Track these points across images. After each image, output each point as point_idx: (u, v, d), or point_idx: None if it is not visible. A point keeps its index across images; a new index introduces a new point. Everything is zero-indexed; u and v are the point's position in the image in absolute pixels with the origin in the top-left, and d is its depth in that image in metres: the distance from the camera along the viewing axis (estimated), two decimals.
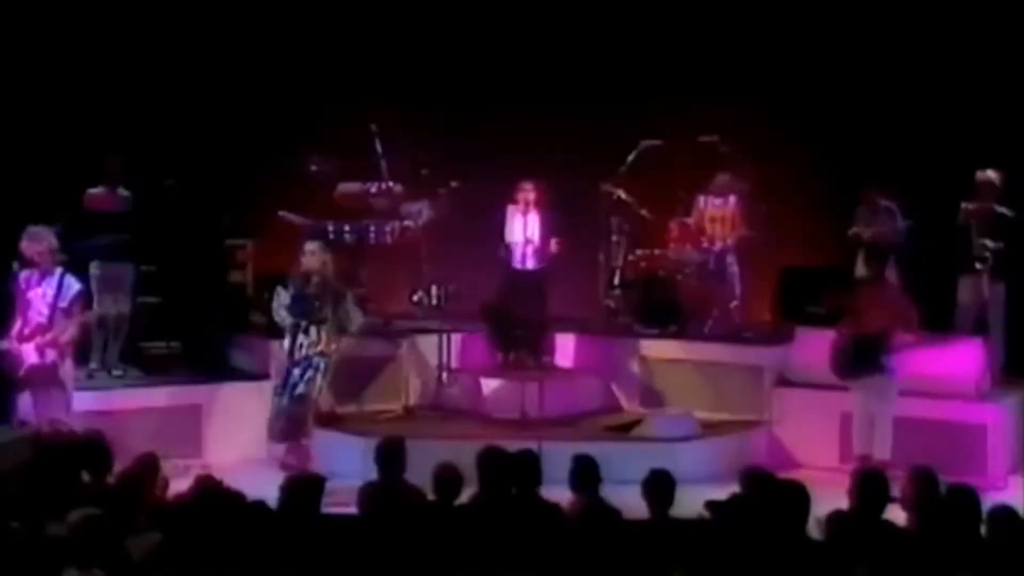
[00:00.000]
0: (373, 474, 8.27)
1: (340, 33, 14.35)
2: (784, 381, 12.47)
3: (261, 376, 12.25)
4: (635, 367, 13.10)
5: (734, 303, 13.15)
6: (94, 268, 11.99)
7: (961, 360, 11.75)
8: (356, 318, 11.44)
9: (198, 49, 13.91)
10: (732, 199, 13.17)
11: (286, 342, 11.27)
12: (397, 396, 12.68)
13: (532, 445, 8.95)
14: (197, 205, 12.96)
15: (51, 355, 10.39)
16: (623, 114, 13.97)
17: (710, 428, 12.22)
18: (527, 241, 12.92)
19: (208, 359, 12.65)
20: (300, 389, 11.25)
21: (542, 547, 7.07)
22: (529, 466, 8.03)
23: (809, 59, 13.77)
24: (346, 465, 10.74)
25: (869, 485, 7.47)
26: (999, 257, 12.22)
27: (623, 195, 13.39)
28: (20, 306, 10.49)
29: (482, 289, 13.10)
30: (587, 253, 13.51)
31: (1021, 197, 12.20)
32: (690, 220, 13.26)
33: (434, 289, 12.81)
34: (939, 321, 11.92)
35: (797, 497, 7.18)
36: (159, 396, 12.10)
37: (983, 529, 7.06)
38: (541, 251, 12.92)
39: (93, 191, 12.43)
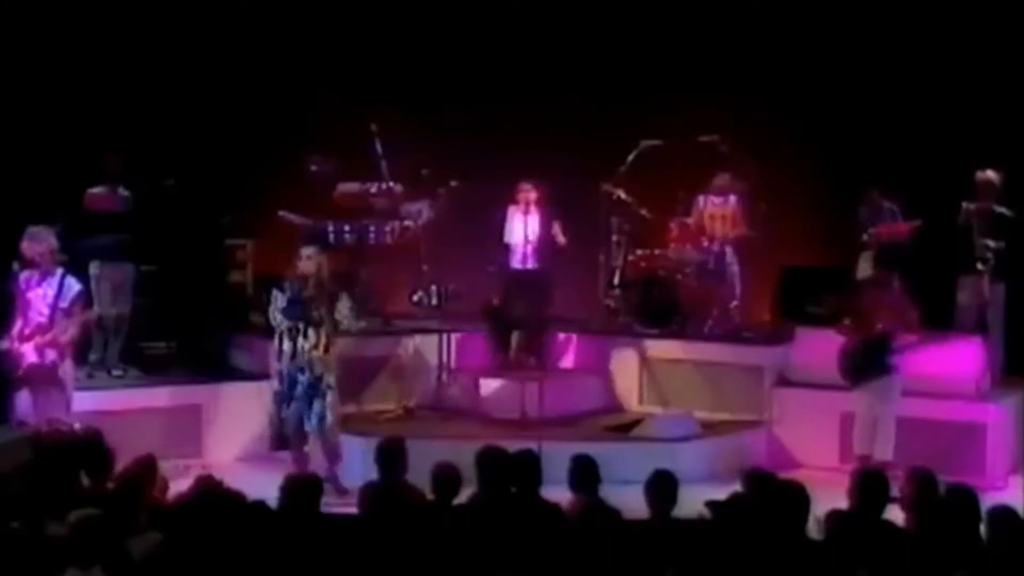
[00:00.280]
0: (373, 474, 8.27)
1: (340, 34, 14.35)
2: (784, 381, 12.48)
3: (261, 376, 12.23)
4: (635, 367, 13.10)
5: (734, 303, 13.15)
6: (94, 268, 11.99)
7: (961, 360, 11.76)
8: (348, 318, 11.19)
9: (198, 49, 13.92)
10: (732, 199, 13.17)
11: (286, 345, 10.88)
12: (397, 396, 12.68)
13: (532, 445, 8.94)
14: (197, 205, 12.95)
15: (51, 355, 10.38)
16: (623, 114, 13.98)
17: (710, 428, 12.23)
18: (527, 241, 12.93)
19: (208, 359, 12.65)
20: (328, 420, 10.86)
21: (542, 547, 7.07)
22: (529, 466, 8.03)
23: (809, 59, 13.78)
24: (346, 465, 10.77)
25: (869, 485, 7.48)
26: (999, 257, 12.22)
27: (623, 195, 13.39)
28: (20, 306, 10.48)
29: (482, 289, 13.11)
30: (587, 253, 13.51)
31: (1021, 197, 12.20)
32: (690, 220, 13.26)
33: (434, 289, 12.80)
34: (939, 321, 11.92)
35: (797, 497, 7.19)
36: (159, 396, 12.09)
37: (982, 529, 7.07)
38: (544, 248, 12.90)
39: (93, 191, 12.43)
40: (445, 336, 12.92)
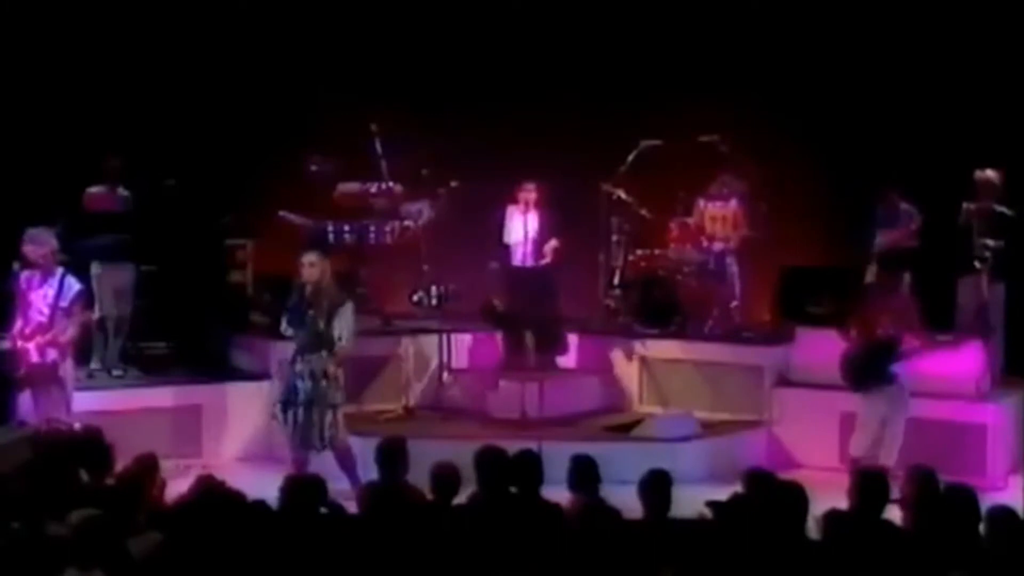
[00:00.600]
0: (373, 474, 8.27)
1: (340, 34, 14.35)
2: (784, 381, 12.48)
3: (261, 376, 12.26)
4: (635, 367, 13.10)
5: (734, 303, 13.15)
6: (94, 268, 12.00)
7: (961, 360, 11.73)
8: (347, 335, 10.54)
9: (198, 49, 13.92)
10: (732, 199, 13.16)
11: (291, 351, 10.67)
12: (397, 396, 12.67)
13: (532, 445, 8.94)
14: (197, 205, 12.96)
15: (51, 355, 10.39)
16: (623, 114, 13.97)
17: (710, 428, 12.23)
18: (527, 241, 12.93)
19: (208, 359, 12.65)
20: (340, 437, 10.59)
21: (542, 547, 7.07)
22: (529, 466, 8.03)
23: (809, 58, 13.77)
24: None
25: (869, 485, 7.47)
26: (999, 257, 12.21)
27: (623, 195, 13.38)
28: (21, 306, 10.49)
29: (482, 289, 13.11)
30: (587, 253, 13.51)
31: (1021, 197, 12.20)
32: (690, 220, 13.26)
33: (434, 289, 12.80)
34: (939, 321, 11.91)
35: (797, 498, 7.19)
36: (159, 396, 12.09)
37: (982, 529, 7.07)
38: (540, 251, 12.93)
39: (93, 191, 12.44)
40: (445, 336, 12.92)
